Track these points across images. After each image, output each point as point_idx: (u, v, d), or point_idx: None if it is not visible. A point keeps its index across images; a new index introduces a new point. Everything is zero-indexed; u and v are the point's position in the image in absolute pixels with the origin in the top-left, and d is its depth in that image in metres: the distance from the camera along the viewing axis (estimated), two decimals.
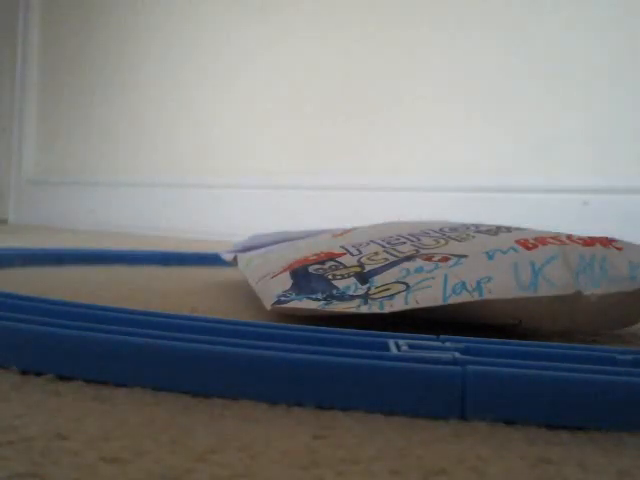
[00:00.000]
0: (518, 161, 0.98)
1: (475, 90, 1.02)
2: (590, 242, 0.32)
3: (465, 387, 0.19)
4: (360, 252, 0.36)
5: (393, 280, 0.31)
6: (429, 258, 0.33)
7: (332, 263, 0.35)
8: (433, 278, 0.31)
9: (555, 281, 0.30)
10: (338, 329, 0.25)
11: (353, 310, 0.30)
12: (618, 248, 0.32)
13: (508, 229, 0.36)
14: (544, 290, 0.29)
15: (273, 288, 0.34)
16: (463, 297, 0.29)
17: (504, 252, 0.32)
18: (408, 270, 0.32)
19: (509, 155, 0.99)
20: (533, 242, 0.32)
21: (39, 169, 1.66)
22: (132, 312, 0.27)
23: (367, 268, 0.33)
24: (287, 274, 0.35)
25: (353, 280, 0.32)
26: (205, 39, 1.34)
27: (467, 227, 0.38)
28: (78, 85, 1.57)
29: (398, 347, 0.22)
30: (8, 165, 1.69)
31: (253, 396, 0.20)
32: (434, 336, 0.24)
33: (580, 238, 0.33)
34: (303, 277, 0.34)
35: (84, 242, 0.96)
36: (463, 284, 0.30)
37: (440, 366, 0.19)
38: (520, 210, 0.96)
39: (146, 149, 1.43)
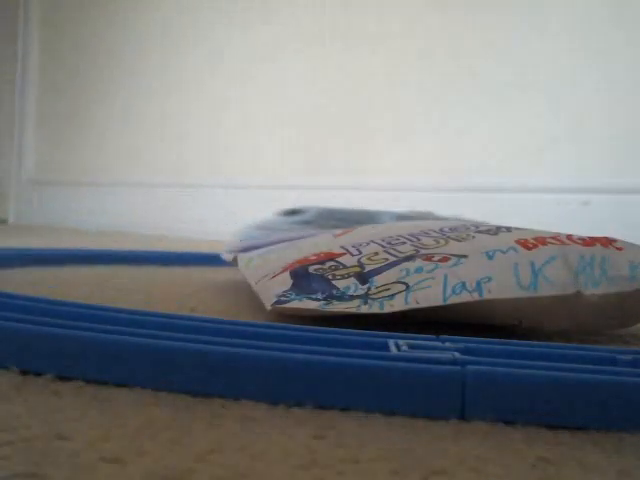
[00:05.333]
0: (518, 161, 0.98)
1: (475, 90, 1.02)
2: (590, 242, 0.32)
3: (465, 387, 0.19)
4: (360, 252, 0.36)
5: (393, 280, 0.31)
6: (429, 258, 0.33)
7: (332, 263, 0.35)
8: (433, 278, 0.31)
9: (555, 281, 0.30)
10: (338, 329, 0.25)
11: (353, 310, 0.30)
12: (618, 248, 0.32)
13: (508, 229, 0.36)
14: (544, 290, 0.29)
15: (273, 288, 0.34)
16: (463, 297, 0.29)
17: (504, 252, 0.32)
18: (408, 270, 0.32)
19: (509, 155, 0.99)
20: (533, 242, 0.32)
21: (39, 169, 1.66)
22: (132, 312, 0.27)
23: (367, 268, 0.33)
24: (287, 274, 0.35)
25: (353, 280, 0.32)
26: (205, 41, 1.34)
27: (467, 227, 0.38)
28: (78, 85, 1.57)
29: (398, 347, 0.22)
30: (8, 165, 1.69)
31: (253, 396, 0.20)
32: (434, 336, 0.24)
33: (580, 238, 0.33)
34: (303, 277, 0.34)
35: (84, 242, 0.96)
36: (463, 284, 0.30)
37: (440, 366, 0.19)
38: (520, 210, 0.96)
39: (146, 149, 1.43)
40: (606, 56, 0.91)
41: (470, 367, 0.19)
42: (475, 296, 0.29)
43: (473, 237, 0.35)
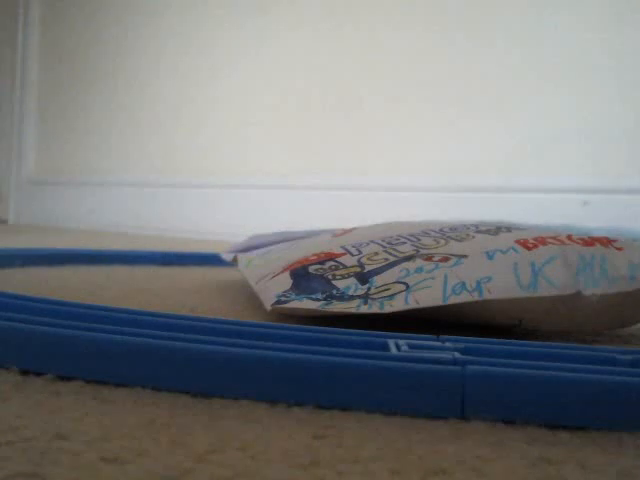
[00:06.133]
0: (518, 161, 0.98)
1: (475, 90, 1.02)
2: (590, 242, 0.32)
3: (465, 387, 0.19)
4: (360, 252, 0.36)
5: (393, 280, 0.31)
6: (429, 258, 0.33)
7: (332, 263, 0.35)
8: (433, 278, 0.31)
9: (555, 281, 0.30)
10: (338, 329, 0.25)
11: (353, 310, 0.30)
12: (618, 248, 0.32)
13: (508, 229, 0.36)
14: (544, 290, 0.29)
15: (273, 288, 0.34)
16: (463, 297, 0.29)
17: (504, 252, 0.32)
18: (408, 270, 0.32)
19: (509, 155, 0.99)
20: (533, 242, 0.32)
21: (39, 169, 1.66)
22: (132, 312, 0.27)
23: (367, 268, 0.33)
24: (287, 274, 0.35)
25: (353, 280, 0.32)
26: (204, 39, 1.34)
27: (467, 227, 0.38)
28: (78, 85, 1.57)
29: (398, 347, 0.22)
30: (8, 165, 1.69)
31: (253, 396, 0.20)
32: (434, 336, 0.24)
33: (580, 238, 0.33)
34: (303, 277, 0.34)
35: (84, 242, 0.96)
36: (463, 284, 0.30)
37: (440, 366, 0.19)
38: (520, 210, 0.96)
39: (146, 149, 1.43)
40: (606, 56, 0.91)
41: (470, 367, 0.19)
42: (475, 296, 0.29)
43: (473, 237, 0.35)
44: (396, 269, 0.32)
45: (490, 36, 1.00)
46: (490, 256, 0.32)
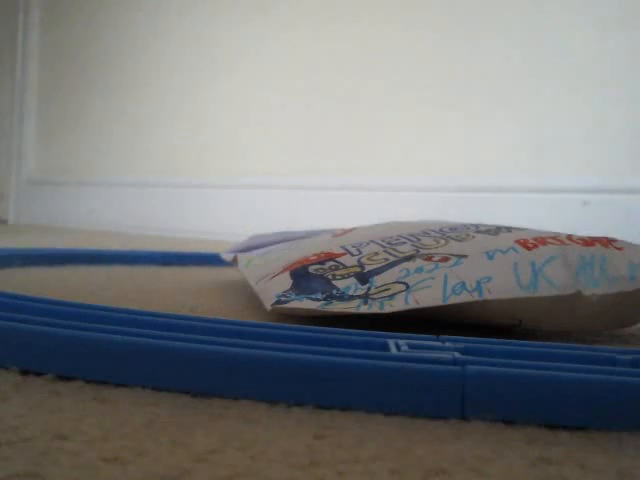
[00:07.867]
0: (518, 161, 0.98)
1: (475, 90, 1.02)
2: (590, 242, 0.32)
3: (465, 387, 0.19)
4: (360, 252, 0.36)
5: (393, 280, 0.31)
6: (429, 258, 0.33)
7: (332, 263, 0.35)
8: (433, 278, 0.31)
9: (555, 281, 0.30)
10: (338, 329, 0.25)
11: (353, 310, 0.30)
12: (618, 248, 0.32)
13: (508, 229, 0.36)
14: (544, 290, 0.29)
15: (273, 288, 0.34)
16: (463, 297, 0.29)
17: (504, 252, 0.32)
18: (408, 270, 0.32)
19: (509, 155, 0.99)
20: (533, 242, 0.32)
21: (39, 169, 1.66)
22: (132, 312, 0.27)
23: (367, 268, 0.33)
24: (287, 274, 0.35)
25: (353, 280, 0.32)
26: (204, 38, 1.34)
27: (467, 227, 0.38)
28: (78, 85, 1.57)
29: (398, 347, 0.22)
30: (8, 165, 1.69)
31: (253, 396, 0.20)
32: (434, 336, 0.24)
33: (580, 238, 0.33)
34: (303, 277, 0.34)
35: (84, 242, 0.96)
36: (463, 284, 0.30)
37: (440, 366, 0.19)
38: (520, 210, 0.96)
39: (146, 149, 1.43)
40: (607, 56, 0.91)
41: (470, 367, 0.19)
42: (475, 296, 0.29)
43: (473, 237, 0.35)
44: (396, 269, 0.32)
45: (490, 36, 1.00)
46: (490, 256, 0.32)
